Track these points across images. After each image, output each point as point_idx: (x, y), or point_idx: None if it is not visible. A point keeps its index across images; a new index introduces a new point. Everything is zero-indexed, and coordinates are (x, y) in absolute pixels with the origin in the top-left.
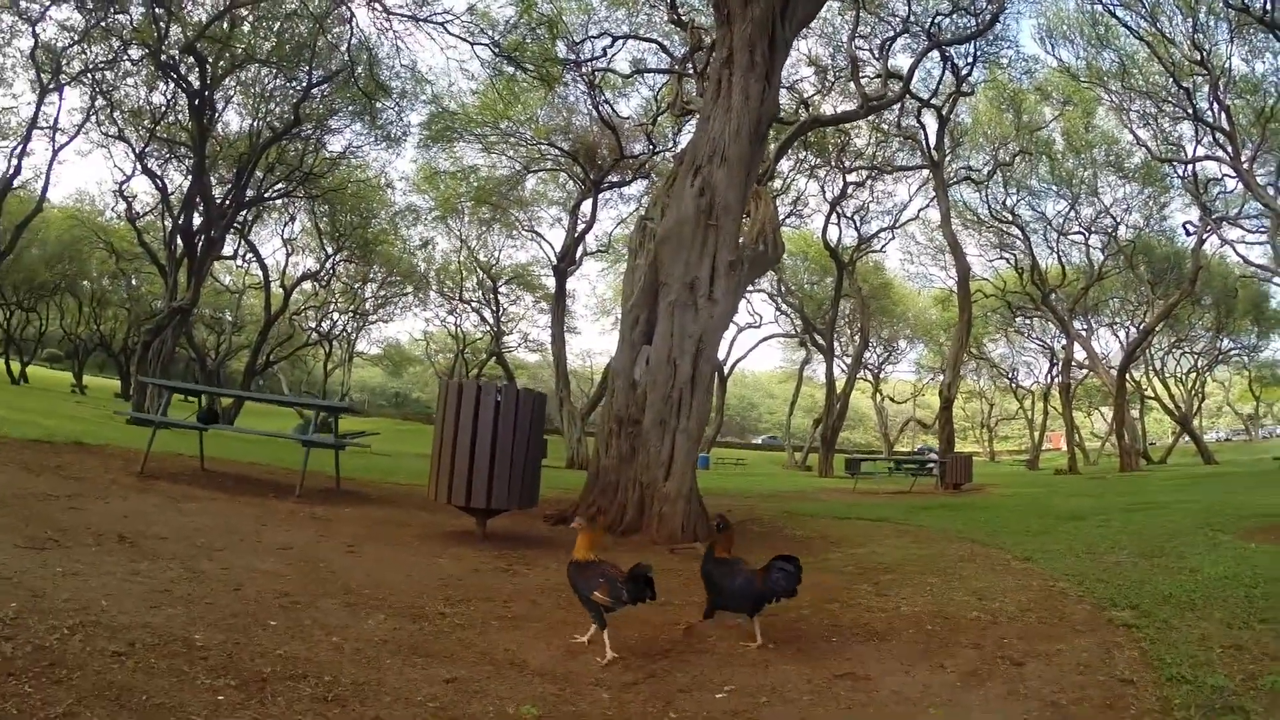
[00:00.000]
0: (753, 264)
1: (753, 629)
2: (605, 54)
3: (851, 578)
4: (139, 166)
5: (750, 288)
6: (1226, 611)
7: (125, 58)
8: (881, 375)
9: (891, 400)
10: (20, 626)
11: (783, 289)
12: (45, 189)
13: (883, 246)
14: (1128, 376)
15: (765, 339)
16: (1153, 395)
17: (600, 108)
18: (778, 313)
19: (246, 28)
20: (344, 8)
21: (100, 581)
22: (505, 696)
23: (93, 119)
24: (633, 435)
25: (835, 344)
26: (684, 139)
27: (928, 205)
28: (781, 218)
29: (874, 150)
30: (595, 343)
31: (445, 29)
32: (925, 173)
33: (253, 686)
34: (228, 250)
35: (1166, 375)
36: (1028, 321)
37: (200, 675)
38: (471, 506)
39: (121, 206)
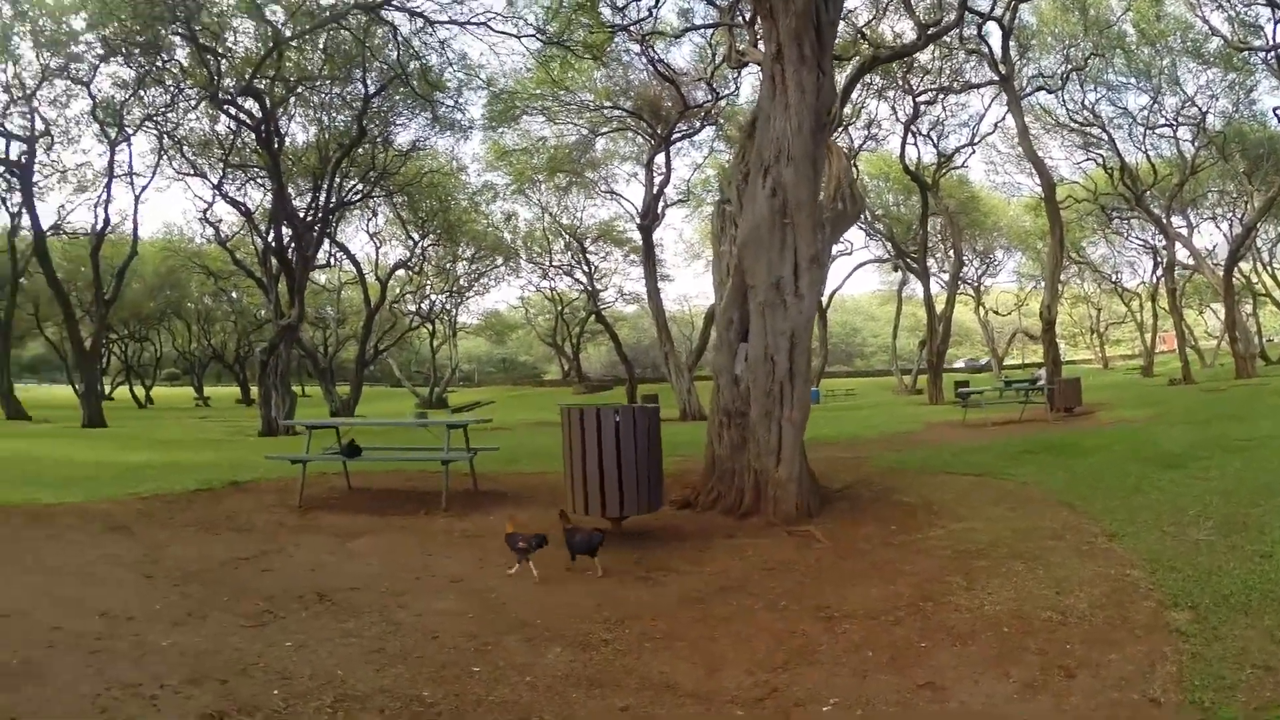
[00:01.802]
0: (834, 224)
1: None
2: (651, 14)
3: (946, 564)
4: (217, 193)
5: None
6: (1277, 617)
7: (182, 98)
8: (981, 288)
9: (995, 313)
10: (294, 714)
11: (868, 215)
12: (136, 232)
13: (964, 163)
14: (1235, 273)
15: (859, 265)
16: (1264, 292)
17: (656, 65)
18: (868, 239)
19: (294, 54)
20: (386, 26)
21: (326, 650)
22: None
23: (164, 159)
24: (741, 426)
25: (929, 262)
26: (744, 85)
27: (1005, 116)
28: (857, 145)
29: (939, 65)
30: (690, 286)
31: (489, 27)
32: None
33: None
34: (320, 256)
35: (1277, 267)
36: (1125, 223)
37: None
38: (606, 515)
39: (209, 232)
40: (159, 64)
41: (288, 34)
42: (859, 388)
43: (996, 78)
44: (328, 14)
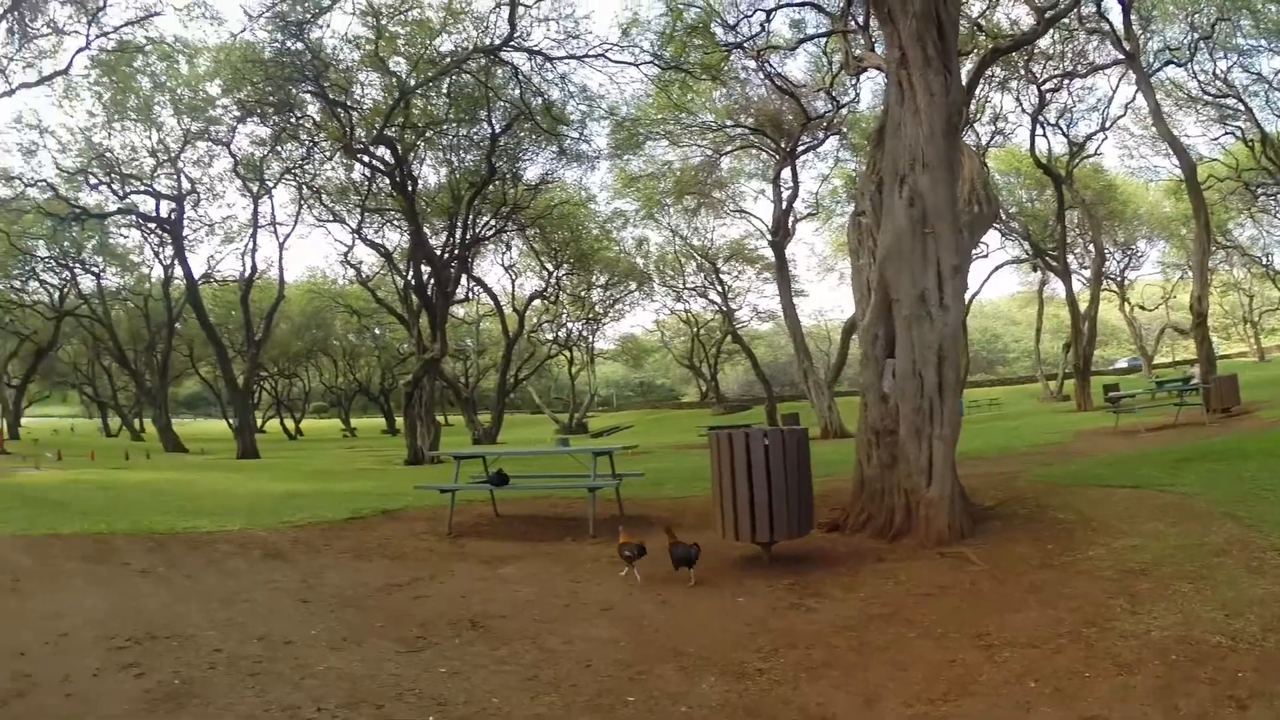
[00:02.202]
0: (972, 229)
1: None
2: (763, 29)
3: (1108, 586)
4: (357, 237)
5: None
6: None
7: (317, 151)
8: (1125, 282)
9: (1141, 308)
10: None
11: (1002, 214)
12: (281, 277)
13: (1096, 150)
14: None
15: (997, 268)
16: None
17: (773, 79)
18: (1003, 239)
19: (420, 101)
20: (506, 66)
21: (480, 678)
22: None
23: (304, 208)
24: (891, 445)
25: (1069, 259)
26: (864, 90)
27: (1135, 95)
28: (984, 142)
29: (1061, 49)
30: (824, 299)
31: (606, 58)
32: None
33: None
34: (459, 292)
35: None
36: (1272, 198)
37: None
38: (756, 541)
39: (351, 273)
40: (293, 121)
41: (413, 83)
42: (1003, 396)
43: (1121, 55)
44: (449, 60)
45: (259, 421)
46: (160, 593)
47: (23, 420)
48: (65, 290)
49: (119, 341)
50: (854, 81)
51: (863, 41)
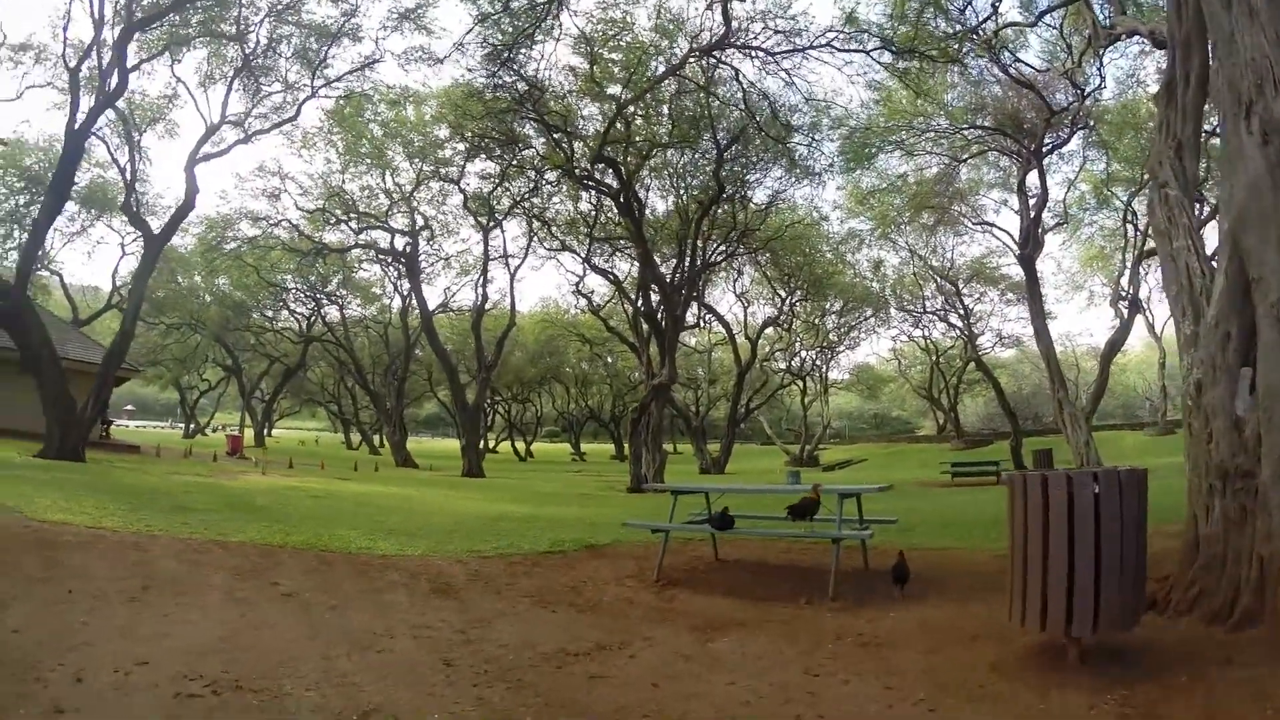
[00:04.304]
0: None
1: None
2: (994, 9)
3: None
4: (587, 266)
5: None
6: None
7: (545, 182)
8: None
9: None
10: None
11: None
12: (513, 306)
13: None
14: None
15: None
16: None
17: (1009, 70)
18: None
19: (640, 122)
20: (725, 65)
21: None
22: None
23: (535, 240)
24: (1242, 493)
25: None
26: (1109, 68)
27: None
28: None
29: None
30: (1072, 323)
31: (832, 48)
32: None
33: None
34: (689, 318)
35: None
36: None
37: None
38: (1073, 633)
39: (582, 303)
40: (518, 155)
41: (629, 95)
42: None
43: None
44: (667, 68)
45: (492, 442)
46: (290, 624)
47: (273, 432)
48: (312, 319)
49: (359, 365)
50: (1097, 64)
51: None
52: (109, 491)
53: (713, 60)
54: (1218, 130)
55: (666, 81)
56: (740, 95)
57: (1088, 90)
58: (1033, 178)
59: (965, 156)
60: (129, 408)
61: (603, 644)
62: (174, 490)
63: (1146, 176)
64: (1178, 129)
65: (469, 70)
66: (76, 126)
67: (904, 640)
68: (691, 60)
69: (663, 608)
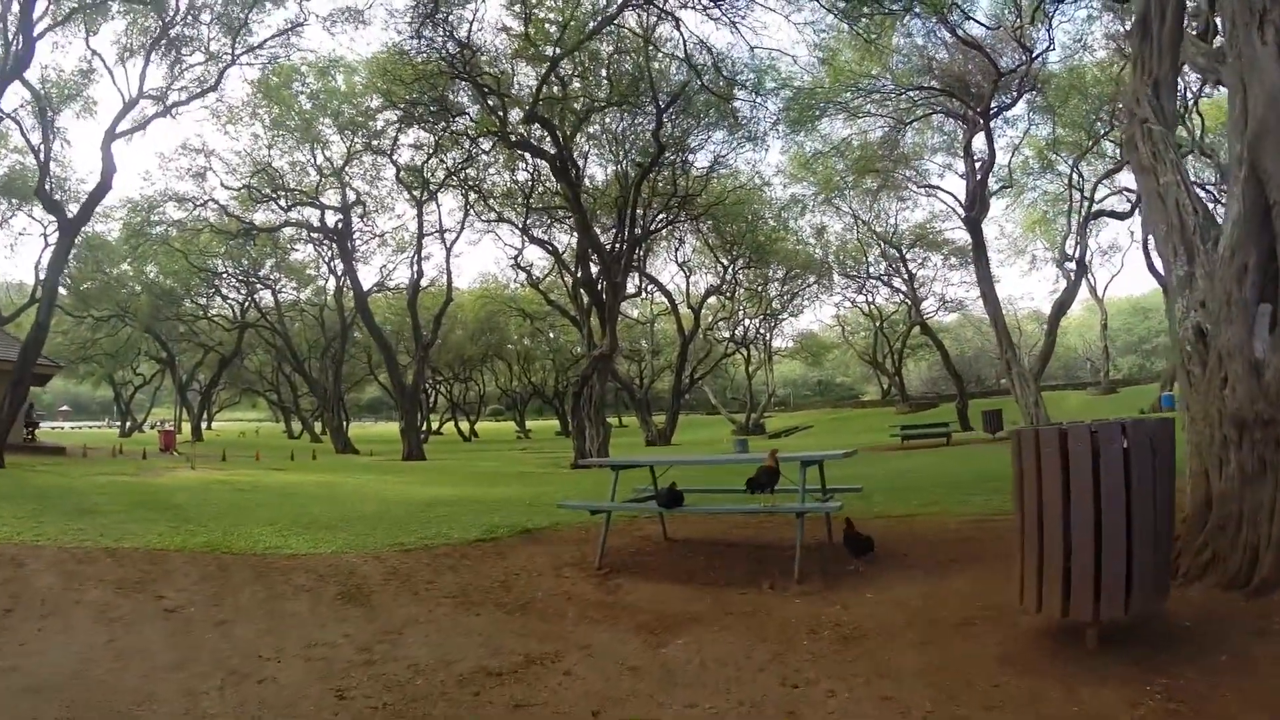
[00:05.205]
0: None
1: None
2: None
3: None
4: (525, 239)
5: None
6: None
7: (480, 151)
8: None
9: None
10: None
11: None
12: (449, 282)
13: None
14: None
15: None
16: None
17: (957, 30)
18: None
19: (577, 84)
20: (666, 16)
21: None
22: None
23: (470, 212)
24: (1262, 444)
25: None
26: (1057, 32)
27: None
28: None
29: None
30: (1014, 287)
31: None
32: None
33: None
34: (630, 288)
35: None
36: None
37: None
38: (1101, 616)
39: (522, 277)
40: (451, 123)
41: (563, 51)
42: None
43: None
44: (600, 20)
45: (436, 424)
46: (162, 649)
47: (213, 424)
48: (246, 305)
49: (295, 350)
50: (1046, 26)
51: None
52: (10, 498)
53: (654, 6)
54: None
55: (605, 42)
56: (682, 49)
57: (1035, 52)
58: (979, 141)
59: (910, 120)
60: (64, 408)
61: (532, 657)
62: (85, 492)
63: (1120, 115)
64: (1153, 65)
65: (398, 33)
66: None
67: (889, 630)
68: (631, 7)
69: (605, 602)
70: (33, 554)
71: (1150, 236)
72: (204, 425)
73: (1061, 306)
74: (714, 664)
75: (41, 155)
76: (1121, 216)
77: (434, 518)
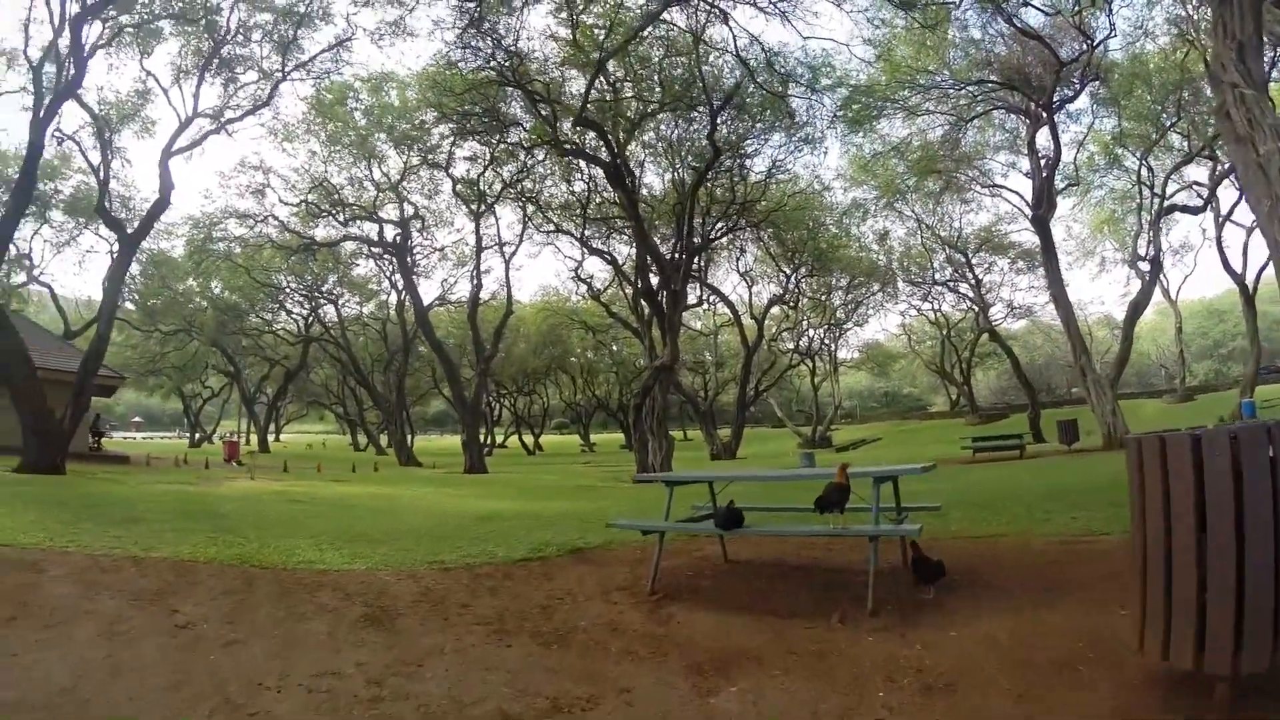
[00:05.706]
0: None
1: None
2: None
3: None
4: (585, 250)
5: None
6: None
7: (535, 162)
8: None
9: None
10: None
11: None
12: (510, 295)
13: None
14: None
15: None
16: None
17: (1014, 20)
18: None
19: (629, 89)
20: (715, 9)
21: None
22: None
23: (529, 224)
24: None
25: None
26: (1121, 16)
27: None
28: None
29: None
30: (1084, 291)
31: None
32: None
33: None
34: (692, 299)
35: None
36: None
37: None
38: (1244, 669)
39: (583, 289)
40: (504, 135)
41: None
42: None
43: None
44: (645, 17)
45: (500, 438)
46: (160, 669)
47: (281, 436)
48: (309, 319)
49: (358, 364)
50: (1107, 10)
51: None
52: (60, 504)
53: (704, 2)
54: None
55: (655, 46)
56: (732, 44)
57: (1096, 40)
58: (1043, 136)
59: (971, 116)
60: (136, 419)
61: (561, 702)
62: (134, 500)
63: (1208, 81)
64: (1235, 29)
65: (444, 43)
66: (40, 117)
67: (978, 676)
68: (678, 3)
69: (654, 634)
70: (58, 560)
71: (1224, 228)
72: (271, 437)
73: (1137, 308)
74: (769, 716)
75: (101, 174)
76: (1195, 211)
77: (483, 533)
